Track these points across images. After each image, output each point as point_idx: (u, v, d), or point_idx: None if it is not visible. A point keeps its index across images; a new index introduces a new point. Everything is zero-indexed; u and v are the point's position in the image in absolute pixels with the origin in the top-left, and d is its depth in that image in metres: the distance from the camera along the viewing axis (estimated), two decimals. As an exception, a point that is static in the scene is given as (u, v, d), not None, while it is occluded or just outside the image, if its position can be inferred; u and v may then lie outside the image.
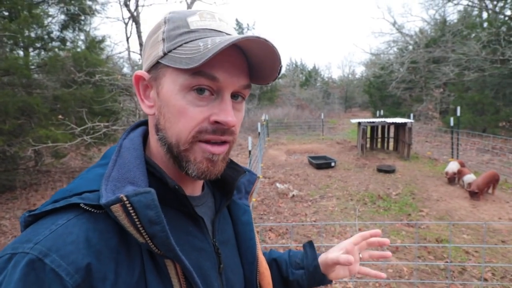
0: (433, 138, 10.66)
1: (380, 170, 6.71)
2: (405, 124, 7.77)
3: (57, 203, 0.43)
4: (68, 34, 7.57)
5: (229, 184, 0.62)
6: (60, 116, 4.74)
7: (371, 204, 4.83)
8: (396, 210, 4.58)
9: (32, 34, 6.35)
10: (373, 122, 8.30)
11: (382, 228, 3.75)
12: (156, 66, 0.49)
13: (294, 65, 33.29)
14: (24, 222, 0.43)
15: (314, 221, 3.96)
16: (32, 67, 6.18)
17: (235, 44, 0.46)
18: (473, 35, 12.33)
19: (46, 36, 6.89)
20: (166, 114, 0.48)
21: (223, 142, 0.50)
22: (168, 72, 0.48)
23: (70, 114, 5.66)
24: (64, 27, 7.25)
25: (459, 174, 5.53)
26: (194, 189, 0.57)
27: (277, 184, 5.91)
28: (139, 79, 0.52)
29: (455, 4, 14.35)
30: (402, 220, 4.15)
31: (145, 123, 0.58)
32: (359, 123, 8.22)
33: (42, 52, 6.88)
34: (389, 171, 6.60)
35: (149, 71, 0.51)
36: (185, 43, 0.47)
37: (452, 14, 16.86)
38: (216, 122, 0.48)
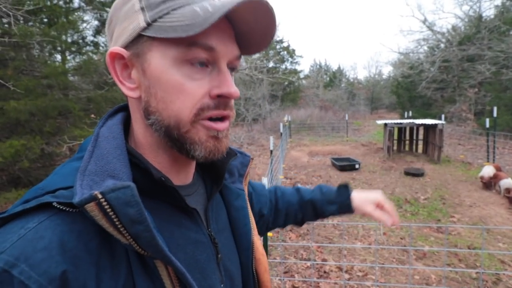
0: (467, 141, 10.06)
1: (407, 173, 6.44)
2: (435, 125, 7.40)
3: (27, 203, 0.37)
4: (101, 39, 8.00)
5: (219, 168, 0.57)
6: (92, 116, 5.03)
7: (398, 208, 4.65)
8: (424, 215, 4.37)
9: (69, 39, 6.79)
10: (400, 124, 7.99)
11: (409, 232, 3.59)
12: (136, 41, 0.42)
13: (318, 66, 32.86)
14: None
15: (336, 222, 3.89)
16: (68, 70, 6.61)
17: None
18: (512, 31, 11.52)
19: (81, 41, 7.33)
20: (158, 93, 0.42)
21: (224, 118, 0.46)
22: (154, 45, 0.42)
23: (101, 114, 5.98)
24: (97, 32, 7.67)
25: (495, 178, 5.17)
26: (185, 178, 0.52)
27: (299, 185, 5.85)
28: (114, 57, 0.44)
29: (492, -1, 13.50)
30: (431, 224, 3.96)
31: (123, 108, 0.52)
32: (386, 124, 7.95)
33: (77, 56, 7.32)
34: (417, 174, 6.32)
35: (126, 47, 0.43)
36: (172, 10, 0.41)
37: (489, 10, 15.80)
38: (218, 96, 0.44)
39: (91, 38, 7.71)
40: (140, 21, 0.42)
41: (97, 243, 0.38)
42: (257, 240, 0.63)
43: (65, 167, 0.44)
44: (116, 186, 0.37)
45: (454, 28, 16.46)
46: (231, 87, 0.44)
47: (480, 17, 14.74)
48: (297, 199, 0.87)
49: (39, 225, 0.35)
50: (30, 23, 5.57)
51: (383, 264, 3.04)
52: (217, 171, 0.57)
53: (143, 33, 0.41)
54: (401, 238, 3.62)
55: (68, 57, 7.31)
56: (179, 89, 0.42)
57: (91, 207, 0.35)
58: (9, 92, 4.45)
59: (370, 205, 0.84)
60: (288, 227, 3.97)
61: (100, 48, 7.78)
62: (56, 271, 0.34)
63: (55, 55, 7.10)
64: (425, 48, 18.85)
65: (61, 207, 0.37)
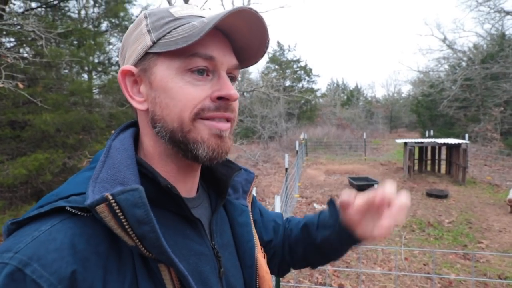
0: (494, 162, 9.55)
1: (430, 194, 6.14)
2: (459, 145, 7.10)
3: (41, 208, 0.40)
4: (125, 60, 8.44)
5: (223, 182, 0.59)
6: (112, 131, 5.21)
7: (420, 232, 4.40)
8: (449, 239, 4.11)
9: (95, 60, 7.20)
10: (421, 143, 7.72)
11: (433, 258, 3.37)
12: (144, 58, 0.48)
13: (335, 85, 32.88)
14: (7, 231, 0.40)
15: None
16: (94, 89, 6.96)
17: (219, 29, 0.47)
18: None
19: (106, 61, 7.75)
20: (163, 101, 0.46)
21: (227, 120, 0.49)
22: (160, 60, 0.47)
23: (122, 130, 6.19)
24: (122, 53, 8.11)
25: (527, 202, 4.83)
26: (190, 191, 0.55)
27: (315, 205, 5.70)
28: (125, 74, 0.49)
29: (516, 17, 13.21)
30: (457, 250, 3.71)
31: (134, 124, 0.55)
32: (406, 144, 7.71)
33: (103, 76, 7.72)
34: (441, 196, 6.01)
35: (135, 65, 0.49)
36: (174, 29, 0.46)
37: (512, 28, 15.45)
38: (219, 99, 0.47)
39: (116, 59, 8.15)
40: (147, 41, 0.47)
41: (105, 246, 0.40)
42: (261, 258, 0.62)
43: (78, 176, 0.46)
44: (125, 189, 0.39)
45: (476, 46, 16.14)
46: (231, 90, 0.47)
47: (503, 35, 14.41)
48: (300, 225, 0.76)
49: (52, 228, 0.38)
50: (62, 45, 5.97)
51: (404, 291, 2.84)
52: (221, 185, 0.59)
53: (150, 51, 0.47)
54: (424, 264, 3.39)
55: (94, 77, 7.73)
56: (182, 92, 0.45)
57: (101, 208, 0.38)
58: (37, 108, 4.71)
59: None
60: (303, 248, 3.83)
61: (124, 68, 8.19)
62: (66, 271, 0.36)
63: (83, 74, 7.52)
64: (446, 66, 18.53)
65: (73, 211, 0.40)
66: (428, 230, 4.44)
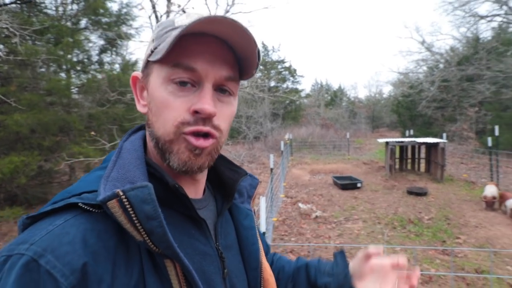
0: (469, 160, 9.97)
1: (410, 192, 6.33)
2: (437, 144, 7.36)
3: (56, 204, 0.43)
4: (106, 58, 8.18)
5: (229, 186, 0.61)
6: (92, 133, 5.04)
7: (401, 229, 4.52)
8: (429, 236, 4.24)
9: (74, 58, 6.94)
10: (402, 142, 7.95)
11: (414, 255, 3.46)
12: (146, 65, 0.51)
13: (319, 85, 33.32)
14: (22, 225, 0.43)
15: (338, 244, 3.76)
16: (72, 88, 6.71)
17: (218, 37, 0.47)
18: (510, 52, 11.69)
19: (86, 60, 7.49)
20: (153, 108, 0.49)
21: (207, 135, 0.48)
22: (155, 68, 0.49)
23: (102, 131, 6.00)
24: (102, 51, 7.86)
25: (501, 198, 5.06)
26: (196, 192, 0.56)
27: (300, 204, 5.75)
28: (135, 80, 0.54)
29: (489, 21, 13.84)
30: (436, 247, 3.83)
31: (144, 126, 0.58)
32: (387, 143, 7.91)
33: (82, 75, 7.46)
34: (420, 193, 6.21)
35: (142, 71, 0.52)
36: (166, 38, 0.47)
37: (486, 31, 16.19)
38: (196, 112, 0.47)
39: (96, 57, 7.89)
40: (149, 50, 0.51)
41: (114, 242, 0.42)
42: (265, 261, 0.64)
43: (90, 175, 0.49)
44: (135, 186, 0.42)
45: (452, 49, 16.78)
46: (205, 104, 0.46)
47: (477, 38, 15.06)
48: (293, 266, 0.78)
49: (65, 223, 0.40)
50: (38, 43, 5.72)
51: (387, 288, 2.90)
52: (228, 188, 0.61)
53: (149, 59, 0.50)
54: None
55: (73, 76, 7.45)
56: (165, 104, 0.47)
57: (112, 204, 0.40)
58: (11, 108, 4.50)
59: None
60: (288, 248, 3.85)
61: (105, 66, 7.95)
62: (78, 263, 0.37)
63: (60, 73, 7.23)
64: (424, 68, 19.15)
65: (85, 207, 0.42)
66: (409, 227, 4.57)
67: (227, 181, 0.61)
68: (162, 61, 0.46)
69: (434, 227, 4.51)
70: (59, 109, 5.69)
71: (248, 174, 0.66)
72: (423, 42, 17.79)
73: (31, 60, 4.75)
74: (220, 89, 0.50)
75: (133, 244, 0.43)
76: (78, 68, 7.25)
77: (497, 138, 7.36)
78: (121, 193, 0.40)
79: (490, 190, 5.23)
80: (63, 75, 7.23)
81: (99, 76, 6.90)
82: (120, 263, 0.41)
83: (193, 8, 4.82)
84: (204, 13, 0.52)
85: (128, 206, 0.40)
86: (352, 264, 0.72)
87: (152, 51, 0.49)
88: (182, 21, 0.49)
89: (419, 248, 3.69)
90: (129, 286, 0.41)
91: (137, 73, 0.54)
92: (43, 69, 6.35)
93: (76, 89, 6.92)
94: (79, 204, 0.42)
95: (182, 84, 0.47)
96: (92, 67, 7.74)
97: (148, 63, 0.51)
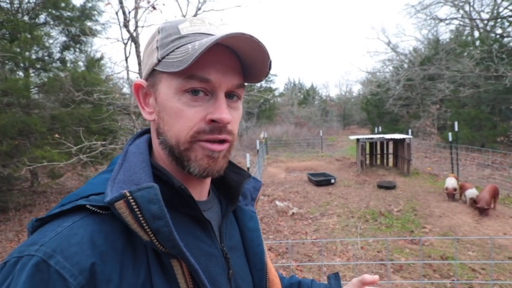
0: (433, 154, 10.63)
1: (380, 186, 6.62)
2: (403, 140, 7.76)
3: (64, 206, 0.43)
4: (69, 55, 7.71)
5: (234, 188, 0.62)
6: (56, 135, 4.71)
7: (373, 221, 4.71)
8: (398, 227, 4.46)
9: (33, 55, 6.46)
10: (371, 139, 8.29)
11: (385, 245, 3.63)
12: (152, 74, 0.51)
13: (292, 84, 33.85)
14: (31, 228, 0.44)
15: (315, 239, 3.84)
16: (32, 87, 6.24)
17: (225, 45, 0.48)
18: (466, 53, 12.61)
19: (47, 57, 7.01)
20: (165, 117, 0.50)
21: (222, 141, 0.50)
22: (164, 78, 0.49)
23: (67, 133, 5.64)
24: (64, 48, 7.40)
25: (461, 189, 5.44)
26: (201, 194, 0.57)
27: (277, 202, 5.80)
28: (138, 87, 0.54)
29: (447, 24, 14.83)
30: (405, 237, 4.03)
31: (149, 130, 0.59)
32: (358, 140, 8.21)
33: (42, 73, 6.97)
34: (389, 187, 6.51)
35: (147, 79, 0.53)
36: (176, 48, 0.48)
37: (445, 34, 17.42)
38: (212, 121, 0.48)
39: (58, 54, 7.41)
40: (154, 58, 0.50)
41: (122, 243, 0.43)
42: (270, 262, 0.65)
43: (97, 178, 0.50)
44: (141, 186, 0.42)
45: (415, 50, 17.80)
46: (223, 113, 0.48)
47: (437, 40, 16.09)
48: (286, 283, 0.78)
49: (73, 224, 0.41)
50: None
51: (362, 279, 3.01)
52: (232, 190, 0.62)
53: (156, 68, 0.50)
54: (378, 252, 3.64)
55: (32, 74, 6.94)
56: (179, 114, 0.48)
57: (119, 205, 0.41)
58: (-39, 110, 4.09)
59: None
60: (267, 246, 3.86)
61: (68, 65, 7.48)
62: (86, 263, 0.38)
63: (18, 72, 6.71)
64: (391, 68, 20.15)
65: (93, 209, 0.43)
66: (380, 219, 4.77)
67: (231, 184, 0.62)
68: (173, 72, 0.47)
69: (402, 219, 4.75)
70: (17, 111, 5.26)
71: (251, 177, 0.67)
72: (389, 43, 18.71)
73: (-17, 57, 4.35)
74: (229, 95, 0.51)
75: (140, 245, 0.44)
76: (38, 66, 6.76)
77: (456, 133, 7.91)
78: (128, 194, 0.41)
79: (450, 182, 5.60)
80: (20, 73, 6.72)
81: (62, 74, 6.48)
82: (128, 263, 0.42)
83: (163, 4, 4.68)
84: (206, 20, 0.52)
85: (135, 207, 0.41)
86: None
87: (159, 60, 0.49)
88: (188, 28, 0.50)
89: (390, 239, 3.86)
90: (137, 286, 0.41)
91: (140, 80, 0.54)
92: (-3, 67, 5.85)
93: (36, 88, 6.45)
94: (87, 206, 0.43)
95: (195, 93, 0.48)
96: (54, 65, 7.26)
97: (154, 72, 0.51)
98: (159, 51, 0.49)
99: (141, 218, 0.41)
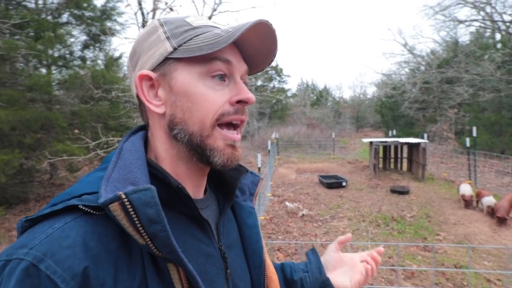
0: (449, 159, 10.36)
1: (393, 191, 6.51)
2: (418, 144, 7.61)
3: (55, 206, 0.41)
4: (89, 54, 7.95)
5: (231, 184, 0.60)
6: (76, 131, 4.88)
7: (384, 226, 4.66)
8: (411, 233, 4.39)
9: (55, 53, 6.71)
10: (385, 142, 8.17)
11: (397, 251, 3.58)
12: (163, 63, 0.50)
13: (305, 85, 33.63)
14: (20, 228, 0.42)
15: (325, 242, 3.84)
16: (54, 84, 6.48)
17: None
18: (487, 56, 12.22)
19: (68, 55, 7.25)
20: (185, 104, 0.49)
21: (237, 127, 0.52)
22: (180, 65, 0.49)
23: (86, 129, 5.83)
24: (85, 46, 7.63)
25: (478, 196, 5.30)
26: (198, 192, 0.56)
27: (287, 203, 5.81)
28: (142, 78, 0.50)
29: (467, 26, 14.42)
30: (418, 243, 3.97)
31: (143, 128, 0.57)
32: (371, 143, 8.10)
33: (63, 70, 7.22)
34: (403, 192, 6.40)
35: (153, 70, 0.50)
36: (194, 36, 0.49)
37: (464, 36, 16.92)
38: (237, 102, 0.50)
39: (79, 52, 7.66)
40: (167, 47, 0.49)
41: (116, 245, 0.41)
42: (268, 259, 0.64)
43: (90, 176, 0.48)
44: (138, 188, 0.40)
45: (433, 52, 17.35)
46: (249, 93, 0.51)
47: (456, 42, 15.64)
48: (281, 278, 0.74)
49: (65, 225, 0.39)
50: (17, 37, 5.48)
51: (371, 284, 3.00)
52: (229, 187, 0.61)
53: (170, 56, 0.49)
54: (389, 257, 3.60)
55: (54, 71, 7.20)
56: (204, 98, 0.48)
57: (114, 207, 0.39)
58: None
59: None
60: (276, 246, 3.89)
61: (88, 62, 7.72)
62: (79, 267, 0.36)
63: (41, 69, 6.97)
64: (407, 70, 19.73)
65: (86, 210, 0.41)
66: (392, 224, 4.71)
67: (228, 179, 0.60)
68: (194, 58, 0.48)
69: (416, 225, 4.67)
70: (40, 106, 5.48)
71: (249, 172, 0.66)
72: (405, 45, 18.32)
73: (10, 55, 4.55)
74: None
75: (135, 247, 0.42)
76: (60, 63, 7.01)
77: (474, 139, 7.68)
78: (123, 196, 0.39)
79: (466, 189, 5.45)
80: (43, 70, 6.98)
81: (82, 72, 6.70)
82: (122, 266, 0.40)
83: (180, 6, 4.77)
84: (204, 17, 0.56)
85: (130, 210, 0.39)
86: (324, 258, 0.78)
87: (175, 48, 0.49)
88: (197, 22, 0.52)
89: (401, 245, 3.81)
90: None
91: (146, 71, 0.50)
92: (22, 64, 6.10)
93: (58, 85, 6.69)
94: (80, 206, 0.41)
95: (220, 77, 0.50)
96: (75, 62, 7.51)
97: (165, 61, 0.49)
98: (172, 40, 0.49)
99: (137, 222, 0.39)
